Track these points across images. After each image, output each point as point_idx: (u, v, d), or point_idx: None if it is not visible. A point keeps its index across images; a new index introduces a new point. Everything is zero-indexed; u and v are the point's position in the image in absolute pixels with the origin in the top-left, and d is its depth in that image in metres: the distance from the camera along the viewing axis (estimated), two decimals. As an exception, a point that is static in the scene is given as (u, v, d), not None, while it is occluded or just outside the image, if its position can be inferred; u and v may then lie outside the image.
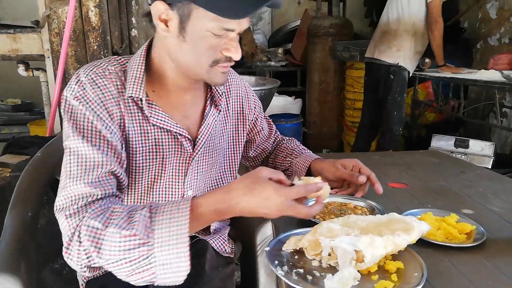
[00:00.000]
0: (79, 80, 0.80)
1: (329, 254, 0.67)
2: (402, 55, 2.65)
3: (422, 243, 0.76)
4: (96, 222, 0.69)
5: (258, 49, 4.48)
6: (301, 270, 0.67)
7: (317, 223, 0.75)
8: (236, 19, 0.74)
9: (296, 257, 0.71)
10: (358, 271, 0.64)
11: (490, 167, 2.50)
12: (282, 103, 3.89)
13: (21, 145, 1.88)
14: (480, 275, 0.69)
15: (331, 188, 0.88)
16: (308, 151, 1.15)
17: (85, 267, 0.71)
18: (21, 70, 2.53)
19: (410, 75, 2.75)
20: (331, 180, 1.01)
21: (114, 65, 0.84)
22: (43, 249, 1.20)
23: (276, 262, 0.68)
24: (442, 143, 2.75)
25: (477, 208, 1.00)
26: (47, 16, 2.17)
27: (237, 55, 0.79)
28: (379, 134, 2.93)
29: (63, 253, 0.72)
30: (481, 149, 2.61)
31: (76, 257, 0.70)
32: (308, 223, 0.83)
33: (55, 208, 0.75)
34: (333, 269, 0.68)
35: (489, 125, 3.52)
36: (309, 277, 0.65)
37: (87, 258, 0.69)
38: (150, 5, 0.78)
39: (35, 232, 1.08)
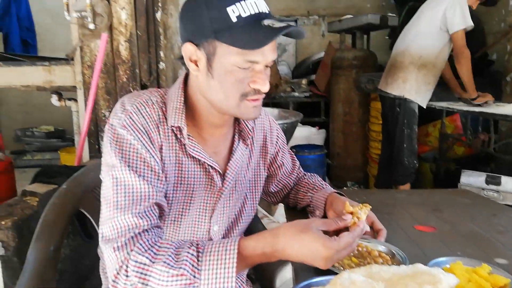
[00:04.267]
0: (125, 109, 0.83)
1: (351, 309, 0.64)
2: (408, 87, 2.63)
3: (452, 298, 0.72)
4: (144, 258, 0.71)
5: (282, 80, 4.53)
6: (321, 325, 0.64)
7: (337, 273, 0.72)
8: (255, 49, 0.76)
9: (315, 308, 0.68)
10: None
11: (524, 206, 2.38)
12: (305, 133, 3.88)
13: (49, 175, 1.93)
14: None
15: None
16: (328, 186, 1.13)
17: None
18: (54, 100, 2.65)
19: (425, 106, 2.71)
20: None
21: (155, 96, 0.87)
22: (65, 277, 1.21)
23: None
24: (472, 179, 2.64)
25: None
26: (80, 49, 2.28)
27: (265, 87, 0.81)
28: (393, 167, 2.88)
29: (110, 286, 0.73)
30: (514, 187, 2.49)
31: None
32: (329, 270, 0.80)
33: (100, 238, 0.77)
34: (355, 325, 0.64)
35: (522, 161, 3.37)
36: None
37: None
38: (181, 47, 0.83)
39: (57, 263, 1.09)
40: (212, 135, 0.91)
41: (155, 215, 0.79)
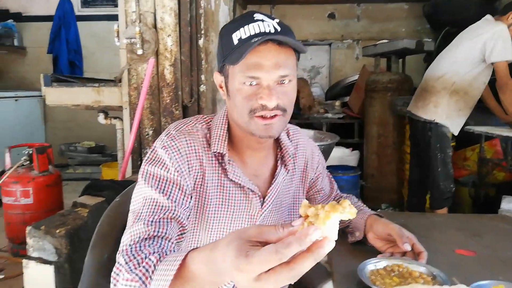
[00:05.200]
0: (169, 133, 0.90)
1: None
2: (439, 111, 2.61)
3: (494, 320, 0.73)
4: (122, 259, 0.70)
5: (315, 101, 4.57)
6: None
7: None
8: (238, 61, 0.80)
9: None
10: None
11: None
12: (339, 154, 3.88)
13: (97, 188, 2.06)
14: None
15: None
16: (366, 207, 1.15)
17: None
18: (101, 118, 2.80)
19: (456, 134, 2.67)
20: (377, 238, 1.01)
21: (201, 123, 0.94)
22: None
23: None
24: (513, 205, 2.56)
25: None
26: (127, 72, 2.44)
27: (270, 102, 0.81)
28: (429, 192, 2.84)
29: None
30: (558, 215, 2.39)
31: None
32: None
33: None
34: None
35: None
36: None
37: None
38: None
39: (111, 271, 1.17)
40: (251, 158, 0.95)
41: (167, 227, 0.78)
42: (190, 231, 0.92)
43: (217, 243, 0.56)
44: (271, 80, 0.82)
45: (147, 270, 0.66)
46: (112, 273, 0.71)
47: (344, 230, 1.13)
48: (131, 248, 0.73)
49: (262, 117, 0.84)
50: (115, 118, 2.78)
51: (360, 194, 3.77)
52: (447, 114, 2.62)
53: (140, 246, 0.73)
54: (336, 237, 0.49)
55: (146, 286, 0.64)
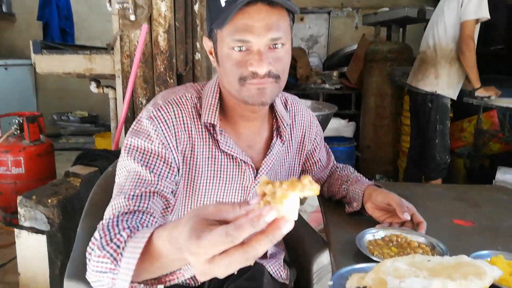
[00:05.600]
0: (156, 103, 0.86)
1: (395, 294, 0.66)
2: (440, 82, 2.58)
3: (493, 290, 0.72)
4: (97, 234, 0.65)
5: (313, 71, 4.50)
6: (366, 308, 0.66)
7: (378, 262, 0.73)
8: (225, 23, 0.74)
9: (359, 293, 0.70)
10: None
11: None
12: (335, 125, 3.85)
13: (90, 158, 2.02)
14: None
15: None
16: (363, 177, 1.13)
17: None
18: (93, 87, 2.73)
19: (455, 98, 2.65)
20: (375, 208, 0.99)
21: (191, 92, 0.90)
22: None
23: (341, 298, 0.67)
24: (509, 176, 2.56)
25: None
26: (120, 39, 2.35)
27: (260, 69, 0.76)
28: (425, 163, 2.84)
29: None
30: (553, 186, 2.40)
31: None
32: (369, 258, 0.82)
33: None
34: (398, 310, 0.66)
35: (562, 160, 3.24)
36: (374, 316, 0.64)
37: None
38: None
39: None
40: (245, 129, 0.91)
41: (148, 202, 0.73)
42: (181, 205, 0.89)
43: (178, 221, 0.52)
44: (261, 44, 0.76)
45: (118, 247, 0.61)
46: (88, 248, 0.66)
47: (341, 200, 1.12)
48: (108, 222, 0.68)
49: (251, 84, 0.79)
50: (107, 87, 2.72)
51: (355, 165, 3.78)
52: (448, 84, 2.58)
53: (117, 221, 0.68)
54: (296, 217, 0.45)
55: (117, 262, 0.60)
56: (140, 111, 2.39)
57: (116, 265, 0.59)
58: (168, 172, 0.80)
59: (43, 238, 1.62)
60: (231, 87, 0.82)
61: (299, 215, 0.50)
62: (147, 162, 0.79)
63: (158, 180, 0.78)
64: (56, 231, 1.67)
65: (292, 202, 0.45)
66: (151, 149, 0.80)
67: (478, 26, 2.49)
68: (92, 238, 0.66)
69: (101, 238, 0.64)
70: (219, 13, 0.76)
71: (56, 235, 1.67)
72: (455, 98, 2.65)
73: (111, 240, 0.63)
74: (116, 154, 1.96)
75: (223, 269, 0.45)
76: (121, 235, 0.62)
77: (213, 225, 0.47)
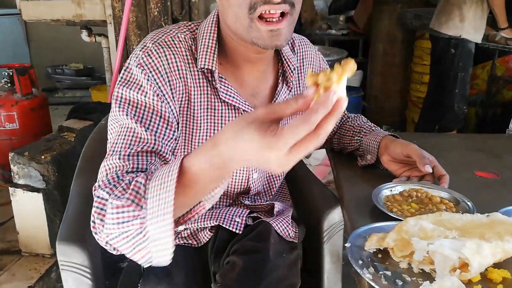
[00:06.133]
0: (145, 46, 0.75)
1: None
2: (466, 26, 2.41)
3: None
4: (104, 192, 0.61)
5: (318, 16, 4.27)
6: (389, 273, 0.58)
7: (395, 217, 0.65)
8: None
9: (379, 255, 0.63)
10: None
11: None
12: (341, 74, 3.71)
13: (84, 111, 1.93)
14: None
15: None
16: (377, 127, 1.05)
17: (106, 244, 0.62)
18: (84, 35, 2.61)
19: (480, 41, 2.51)
20: (392, 161, 0.91)
21: (184, 32, 0.79)
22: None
23: (360, 262, 0.60)
24: (523, 125, 2.47)
25: None
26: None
27: None
28: (441, 112, 2.73)
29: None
30: None
31: (94, 234, 0.63)
32: (386, 215, 0.74)
33: None
34: (426, 275, 0.58)
35: None
36: (399, 282, 0.57)
37: (96, 234, 0.62)
38: None
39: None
40: (249, 74, 0.83)
41: (147, 162, 0.67)
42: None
43: (215, 141, 0.53)
44: None
45: (137, 192, 0.58)
46: (94, 212, 0.61)
47: (353, 152, 1.03)
48: (109, 180, 0.63)
49: (266, 21, 0.69)
50: (99, 35, 2.60)
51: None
52: (474, 27, 2.43)
53: (118, 176, 0.63)
54: (346, 96, 0.50)
55: (141, 207, 0.57)
56: (135, 61, 2.27)
57: (141, 210, 0.57)
58: (166, 129, 0.73)
59: (39, 197, 1.56)
60: (238, 24, 0.71)
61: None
62: (142, 118, 0.70)
63: (155, 139, 0.70)
64: (53, 188, 1.61)
65: (344, 83, 0.50)
66: (145, 102, 0.72)
67: None
68: (97, 199, 0.62)
69: (111, 193, 0.60)
70: None
71: (52, 192, 1.61)
72: (480, 41, 2.51)
73: (126, 189, 0.60)
74: (111, 106, 1.86)
75: (300, 156, 0.49)
76: (137, 181, 0.59)
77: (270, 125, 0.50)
